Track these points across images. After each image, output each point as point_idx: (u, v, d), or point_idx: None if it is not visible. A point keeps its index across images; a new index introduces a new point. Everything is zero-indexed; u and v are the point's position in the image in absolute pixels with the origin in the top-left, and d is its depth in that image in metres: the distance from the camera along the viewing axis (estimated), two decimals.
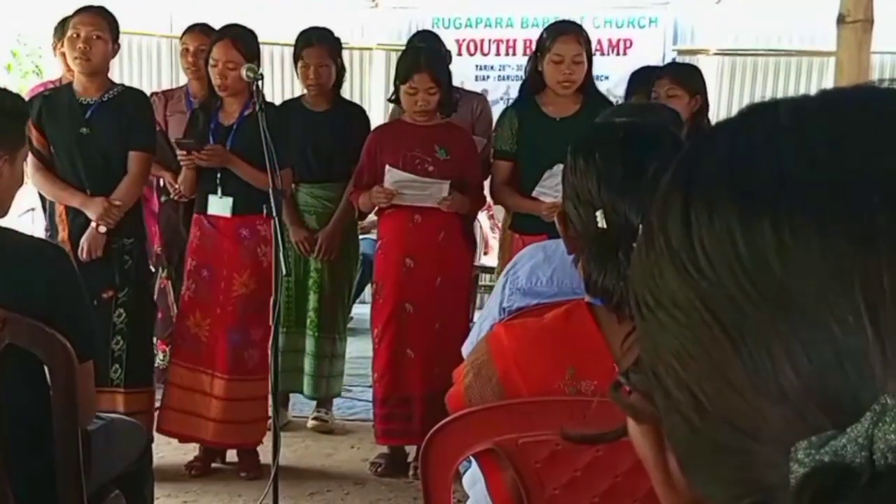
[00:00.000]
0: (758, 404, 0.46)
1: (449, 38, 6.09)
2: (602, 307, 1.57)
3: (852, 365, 0.44)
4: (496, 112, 4.93)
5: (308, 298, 4.62)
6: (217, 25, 4.34)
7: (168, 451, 4.20)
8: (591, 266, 1.54)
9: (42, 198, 4.43)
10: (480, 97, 5.18)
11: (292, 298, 4.55)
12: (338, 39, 4.67)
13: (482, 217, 6.82)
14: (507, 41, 7.84)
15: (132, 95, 4.12)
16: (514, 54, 7.76)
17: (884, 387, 0.43)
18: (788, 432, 0.45)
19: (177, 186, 4.42)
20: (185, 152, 4.05)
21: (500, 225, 5.62)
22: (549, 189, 3.93)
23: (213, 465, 4.25)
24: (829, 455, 0.43)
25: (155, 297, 4.70)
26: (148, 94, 4.66)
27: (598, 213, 1.55)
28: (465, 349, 2.23)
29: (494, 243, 6.65)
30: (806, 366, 0.44)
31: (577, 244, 1.62)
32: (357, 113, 4.75)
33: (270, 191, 3.57)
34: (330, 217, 4.57)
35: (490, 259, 6.26)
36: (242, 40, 4.08)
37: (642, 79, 4.70)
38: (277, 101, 5.11)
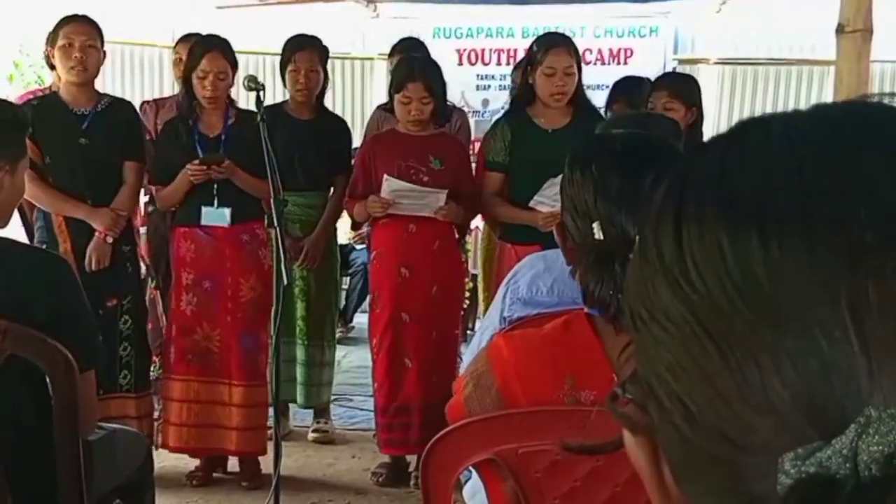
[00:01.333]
0: (747, 415, 0.46)
1: (450, 48, 6.13)
2: (601, 318, 1.57)
3: (838, 377, 0.44)
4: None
5: (296, 307, 4.62)
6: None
7: (169, 460, 4.20)
8: (588, 277, 1.54)
9: (22, 210, 4.37)
10: (459, 111, 5.21)
11: (282, 307, 4.55)
12: (326, 48, 4.67)
13: (482, 225, 6.83)
14: (508, 51, 7.86)
15: (123, 106, 4.15)
16: (515, 64, 7.77)
17: (869, 398, 0.44)
18: (777, 443, 0.46)
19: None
20: (204, 167, 4.00)
21: (477, 235, 5.64)
22: (547, 199, 3.93)
23: (215, 474, 4.25)
24: (815, 466, 0.44)
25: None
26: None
27: (595, 225, 1.55)
28: (466, 357, 2.24)
29: None
30: (793, 378, 0.45)
31: (575, 255, 1.62)
32: (339, 124, 4.78)
33: (272, 201, 3.57)
34: (313, 225, 4.58)
35: None
36: (227, 50, 4.10)
37: (624, 89, 4.73)
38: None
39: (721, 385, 0.47)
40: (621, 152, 1.62)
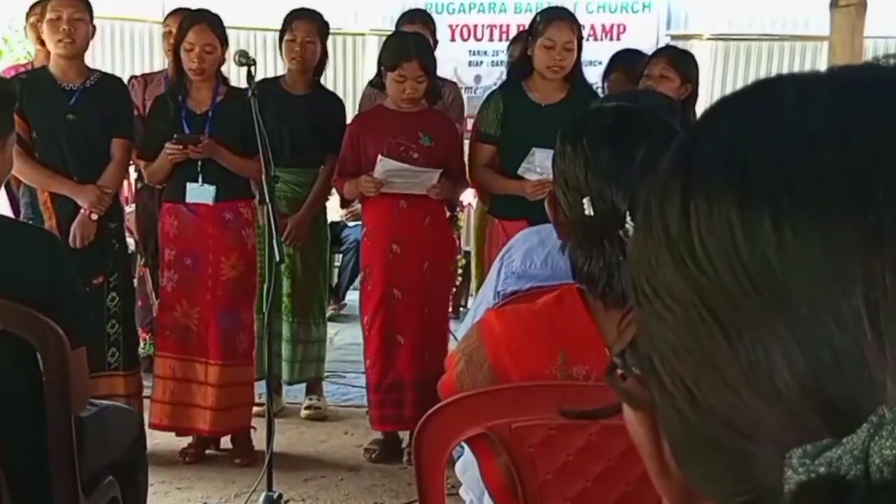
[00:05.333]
0: (753, 404, 0.45)
1: (442, 24, 6.09)
2: (590, 293, 1.57)
3: (850, 367, 0.43)
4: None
5: (282, 284, 4.62)
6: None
7: (162, 437, 4.20)
8: (577, 252, 1.54)
9: (8, 186, 4.34)
10: (452, 84, 5.22)
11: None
12: (327, 23, 4.64)
13: (475, 202, 6.81)
14: (501, 26, 7.82)
15: (112, 82, 4.12)
16: (507, 40, 7.71)
17: (882, 391, 0.42)
18: (784, 434, 0.44)
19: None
20: (181, 146, 3.98)
21: (469, 212, 5.64)
22: (534, 167, 3.91)
23: (208, 451, 4.25)
24: (824, 466, 0.42)
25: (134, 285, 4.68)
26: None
27: (585, 200, 1.54)
28: (460, 333, 2.23)
29: None
30: (802, 367, 0.43)
31: (566, 230, 1.62)
32: (334, 101, 4.74)
33: (263, 178, 3.56)
34: (301, 202, 4.55)
35: None
36: (217, 24, 4.07)
37: (622, 59, 4.73)
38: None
39: (727, 371, 0.45)
40: (612, 127, 1.61)
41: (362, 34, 8.02)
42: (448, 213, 4.36)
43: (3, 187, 4.67)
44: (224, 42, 4.06)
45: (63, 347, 2.17)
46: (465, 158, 4.33)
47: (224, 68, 4.19)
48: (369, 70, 7.86)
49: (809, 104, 0.48)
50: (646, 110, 1.70)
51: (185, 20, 4.12)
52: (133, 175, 5.16)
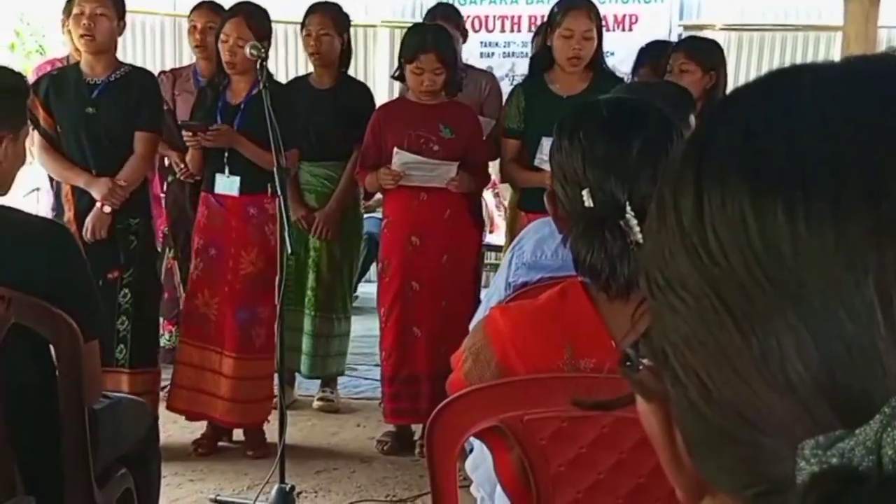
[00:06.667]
0: (765, 395, 0.45)
1: None
2: (593, 285, 1.57)
3: (863, 359, 0.43)
4: (502, 89, 4.91)
5: (307, 277, 4.62)
6: (224, 4, 4.33)
7: (175, 429, 4.21)
8: (579, 245, 1.54)
9: (50, 177, 4.44)
10: (489, 75, 5.13)
11: (293, 277, 4.55)
12: (345, 14, 4.64)
13: (487, 195, 6.80)
14: (513, 17, 7.79)
15: (139, 76, 4.10)
16: (518, 31, 7.71)
17: (895, 385, 0.42)
18: (796, 426, 0.44)
19: (182, 166, 4.45)
20: (190, 133, 4.03)
21: (506, 203, 5.61)
22: (547, 156, 3.87)
23: (220, 443, 4.26)
24: (837, 457, 0.42)
25: (162, 277, 4.69)
26: (155, 72, 4.65)
27: (585, 192, 1.55)
28: (472, 327, 2.23)
29: (500, 221, 6.64)
30: (815, 359, 0.43)
31: (566, 223, 1.61)
32: (362, 91, 4.72)
33: (275, 170, 3.56)
34: (329, 196, 4.55)
35: (495, 237, 6.24)
36: (254, 18, 4.06)
37: (651, 53, 4.65)
38: (283, 81, 5.09)
39: (739, 363, 0.45)
40: (608, 118, 1.61)
41: (373, 26, 8.01)
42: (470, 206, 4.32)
43: (47, 178, 4.73)
44: (263, 36, 4.01)
45: (76, 340, 2.18)
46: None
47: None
48: (380, 62, 7.88)
49: (824, 95, 0.47)
50: (642, 102, 1.70)
51: (227, 12, 4.17)
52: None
